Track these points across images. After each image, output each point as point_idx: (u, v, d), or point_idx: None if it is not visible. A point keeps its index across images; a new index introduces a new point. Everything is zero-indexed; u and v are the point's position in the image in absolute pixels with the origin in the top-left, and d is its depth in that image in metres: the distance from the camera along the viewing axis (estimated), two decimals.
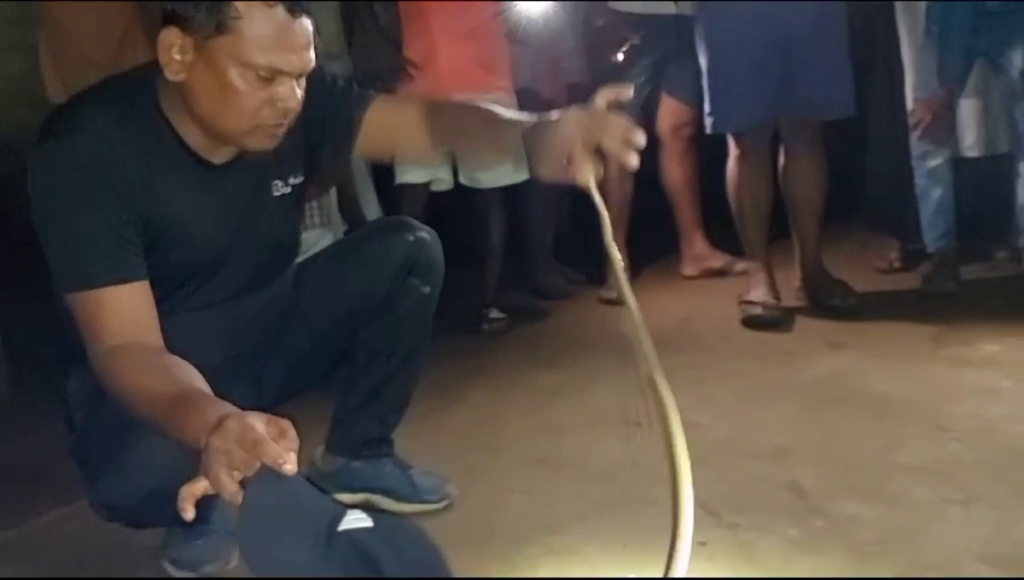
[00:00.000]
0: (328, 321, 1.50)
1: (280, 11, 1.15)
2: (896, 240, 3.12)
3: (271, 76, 1.16)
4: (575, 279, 3.33)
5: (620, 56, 3.04)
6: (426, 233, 1.52)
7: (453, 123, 1.41)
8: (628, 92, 1.13)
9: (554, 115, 1.17)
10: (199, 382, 1.08)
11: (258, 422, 0.92)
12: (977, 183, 2.92)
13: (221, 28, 1.14)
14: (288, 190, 1.39)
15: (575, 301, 3.17)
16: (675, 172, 3.23)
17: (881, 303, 2.68)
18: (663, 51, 3.08)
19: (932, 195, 2.77)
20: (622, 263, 1.07)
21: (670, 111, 3.18)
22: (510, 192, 2.92)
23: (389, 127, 1.43)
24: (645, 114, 3.17)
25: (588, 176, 1.10)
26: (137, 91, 1.23)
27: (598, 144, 1.09)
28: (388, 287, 1.48)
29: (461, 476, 1.63)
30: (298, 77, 1.20)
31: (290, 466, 0.88)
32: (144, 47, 3.24)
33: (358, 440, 1.59)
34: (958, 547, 1.28)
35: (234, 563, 1.43)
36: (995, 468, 1.52)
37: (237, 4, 1.14)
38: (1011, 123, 2.74)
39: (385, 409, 1.59)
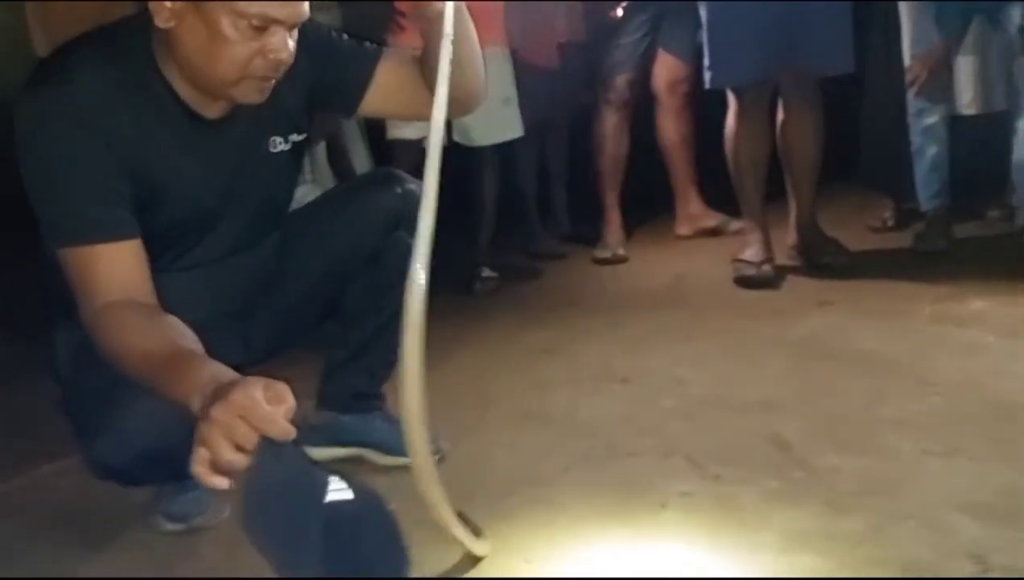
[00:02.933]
0: (316, 275, 1.50)
1: None
2: (890, 199, 3.12)
3: (263, 26, 1.13)
4: (568, 238, 3.34)
5: (619, 11, 3.00)
6: (414, 185, 1.50)
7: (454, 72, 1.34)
8: None
9: None
10: (191, 341, 1.08)
11: (258, 391, 0.90)
12: (973, 141, 2.91)
13: None
14: (287, 147, 1.37)
15: (567, 261, 3.17)
16: (671, 129, 3.21)
17: (873, 262, 2.69)
18: (659, 6, 3.04)
19: (927, 153, 2.76)
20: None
21: (666, 67, 3.15)
22: (503, 151, 2.90)
23: (395, 87, 1.40)
24: (641, 70, 3.15)
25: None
26: (129, 41, 1.20)
27: None
28: (375, 240, 1.48)
29: (449, 430, 1.64)
30: (291, 28, 1.17)
31: (280, 428, 0.88)
32: (131, 1, 3.21)
33: (348, 394, 1.60)
34: (937, 498, 1.29)
35: (226, 515, 1.44)
36: (977, 421, 1.53)
37: None
38: (1008, 80, 2.72)
39: (374, 364, 1.60)
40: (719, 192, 2.99)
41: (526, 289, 2.90)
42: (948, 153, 2.75)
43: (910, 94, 2.74)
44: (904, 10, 2.74)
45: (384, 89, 1.39)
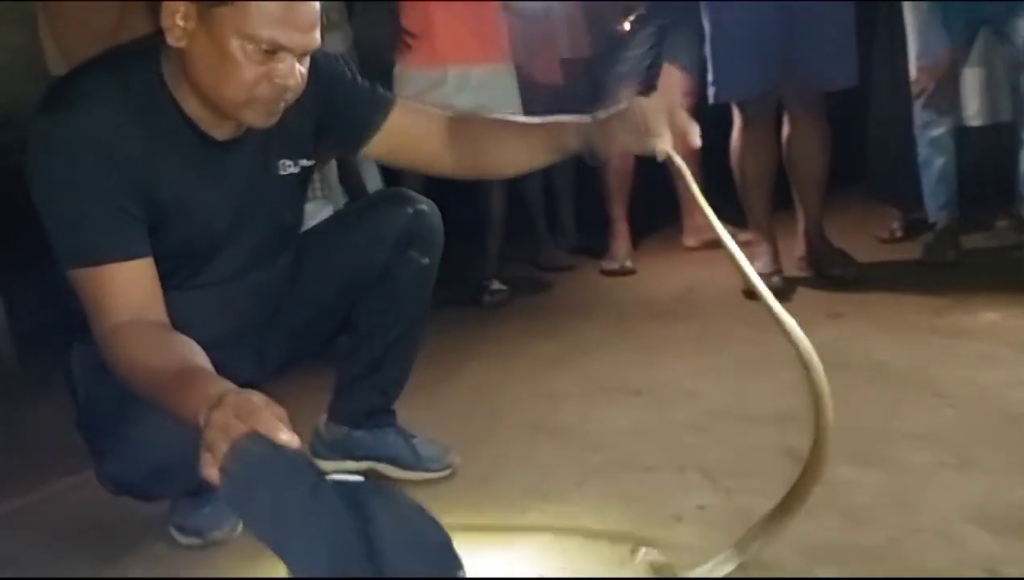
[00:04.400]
0: (328, 292, 1.51)
1: None
2: (898, 210, 3.12)
3: (272, 51, 1.15)
4: (576, 251, 3.35)
5: (627, 25, 3.02)
6: (425, 205, 1.52)
7: (479, 138, 1.41)
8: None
9: (612, 109, 1.28)
10: (201, 359, 1.09)
11: (255, 397, 0.94)
12: (980, 152, 2.91)
13: None
14: (296, 170, 1.38)
15: (575, 273, 3.18)
16: (676, 142, 3.22)
17: (882, 273, 2.69)
18: (665, 19, 3.06)
19: (934, 164, 2.76)
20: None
21: (672, 80, 3.16)
22: None
23: (405, 139, 1.42)
24: (647, 83, 3.16)
25: (668, 144, 1.24)
26: (140, 63, 1.22)
27: (674, 117, 1.25)
28: (387, 258, 1.49)
29: (461, 444, 1.65)
30: (300, 56, 1.18)
31: (285, 435, 0.89)
32: (145, 17, 3.24)
33: (360, 410, 1.61)
34: (953, 511, 1.29)
35: (239, 530, 1.45)
36: (991, 433, 1.53)
37: None
38: (1014, 91, 2.73)
39: (386, 380, 1.61)
40: (726, 203, 2.99)
41: (535, 301, 2.91)
42: (955, 164, 2.75)
43: (916, 106, 2.75)
44: (909, 21, 2.75)
45: (392, 139, 1.41)
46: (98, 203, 1.16)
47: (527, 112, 2.80)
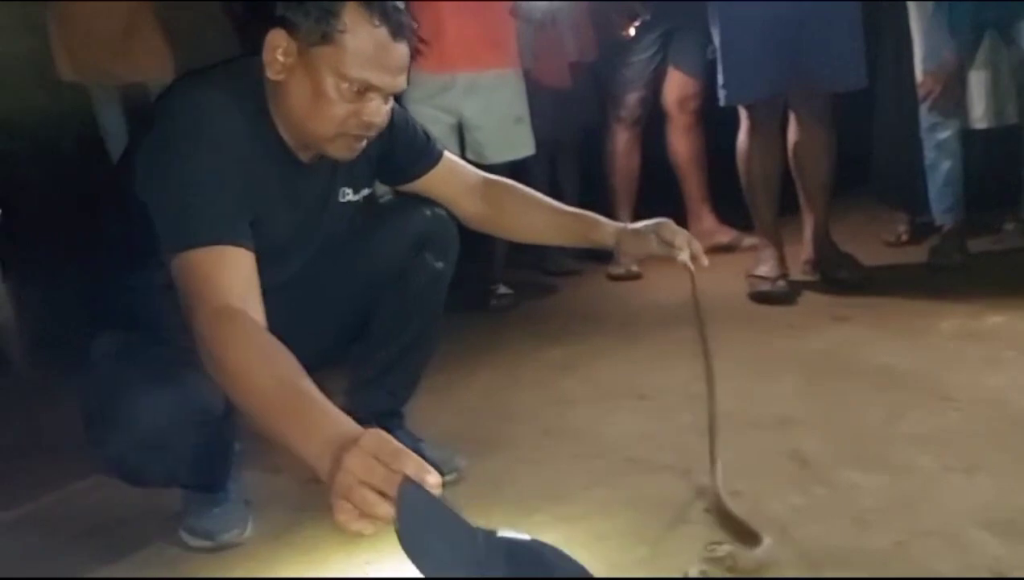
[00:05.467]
0: (345, 295, 1.54)
1: (383, 32, 1.22)
2: (904, 213, 3.12)
3: (363, 91, 1.23)
4: (582, 255, 3.35)
5: (632, 31, 3.04)
6: (443, 210, 1.56)
7: (507, 205, 1.56)
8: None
9: (645, 222, 1.51)
10: (307, 380, 1.00)
11: (385, 435, 0.87)
12: (986, 155, 2.91)
13: (326, 38, 1.21)
14: (356, 199, 1.47)
15: (582, 278, 3.19)
16: (682, 146, 3.24)
17: (888, 276, 2.69)
18: (669, 24, 3.07)
19: (940, 167, 2.77)
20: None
21: (677, 84, 3.18)
22: (515, 169, 2.93)
23: (438, 191, 1.55)
24: (652, 88, 3.18)
25: (687, 257, 1.48)
26: (245, 80, 1.28)
27: (694, 243, 1.51)
28: (402, 261, 1.53)
29: (470, 448, 1.66)
30: (387, 96, 1.27)
31: (432, 478, 0.83)
32: (152, 27, 3.26)
33: (369, 412, 1.62)
34: (959, 514, 1.29)
35: (248, 532, 1.47)
36: (997, 437, 1.53)
37: (345, 18, 1.20)
38: (1020, 94, 2.73)
39: (397, 383, 1.62)
40: (732, 207, 3.00)
41: (541, 306, 2.92)
42: (961, 167, 2.75)
43: (922, 109, 2.76)
44: (915, 25, 2.76)
45: (426, 186, 1.55)
46: (219, 191, 1.19)
47: (535, 116, 2.82)
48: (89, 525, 1.57)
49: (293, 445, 0.93)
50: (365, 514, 0.83)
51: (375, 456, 0.83)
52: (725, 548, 1.22)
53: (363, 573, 1.32)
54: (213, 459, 1.42)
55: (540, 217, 1.56)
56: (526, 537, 0.87)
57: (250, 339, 1.05)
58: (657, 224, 1.49)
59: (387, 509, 0.82)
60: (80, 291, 1.45)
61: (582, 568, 0.89)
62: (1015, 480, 1.38)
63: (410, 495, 0.81)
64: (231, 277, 1.13)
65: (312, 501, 1.59)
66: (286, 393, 0.97)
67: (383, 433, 0.87)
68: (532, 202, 1.57)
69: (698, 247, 1.49)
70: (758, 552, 1.20)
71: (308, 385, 0.98)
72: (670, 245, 1.47)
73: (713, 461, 1.43)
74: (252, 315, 1.11)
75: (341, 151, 1.30)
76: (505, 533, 0.86)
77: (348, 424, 0.92)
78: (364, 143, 1.31)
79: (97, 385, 1.31)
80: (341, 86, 1.22)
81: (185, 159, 1.19)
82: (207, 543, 1.45)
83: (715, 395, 1.48)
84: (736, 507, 1.38)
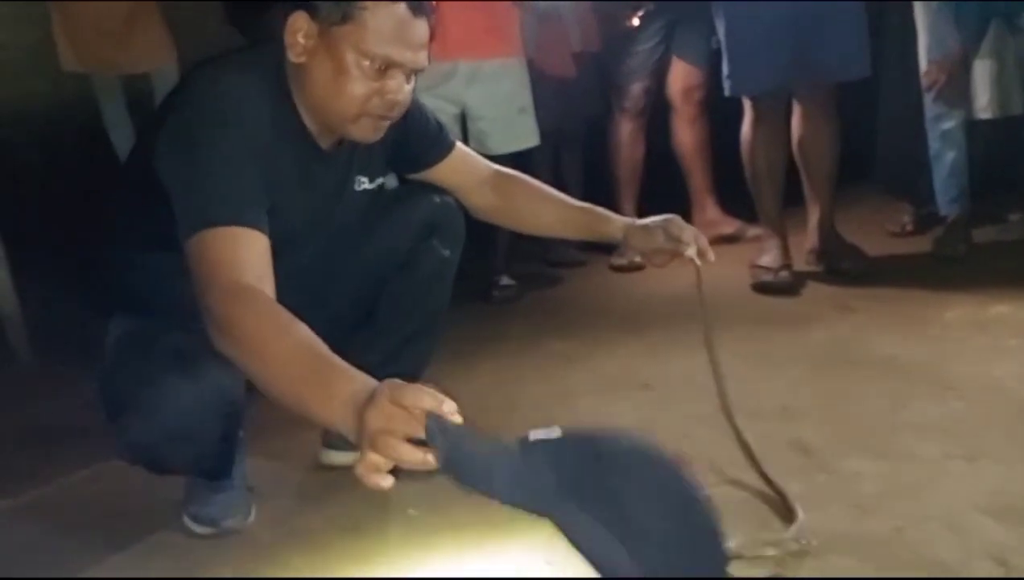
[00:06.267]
0: (353, 281, 1.54)
1: (403, 8, 1.22)
2: (909, 204, 3.11)
3: (385, 68, 1.23)
4: (586, 246, 3.35)
5: (636, 21, 3.03)
6: (451, 198, 1.57)
7: (516, 197, 1.57)
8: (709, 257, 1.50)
9: (646, 220, 1.52)
10: (323, 346, 1.00)
11: (406, 385, 0.88)
12: (991, 145, 2.90)
13: (346, 17, 1.21)
14: (371, 188, 1.47)
15: (585, 269, 3.19)
16: (686, 136, 3.23)
17: (892, 267, 2.69)
18: (673, 14, 3.06)
19: (945, 158, 2.75)
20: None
21: (681, 74, 3.16)
22: (519, 159, 2.92)
23: (448, 180, 1.56)
24: (656, 78, 3.17)
25: (694, 253, 1.48)
26: (266, 66, 1.29)
27: (701, 238, 1.51)
28: (410, 247, 1.54)
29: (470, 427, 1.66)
30: (409, 74, 1.27)
31: (448, 405, 0.85)
32: (154, 17, 3.27)
33: None
34: (961, 501, 1.29)
35: (252, 518, 1.47)
36: (1001, 425, 1.53)
37: None
38: None
39: (401, 371, 1.58)
40: (736, 198, 3.00)
41: (544, 297, 2.92)
42: (966, 157, 2.74)
43: (927, 99, 2.74)
44: (920, 15, 2.74)
45: (436, 176, 1.56)
46: (241, 175, 1.19)
47: (538, 106, 2.81)
48: (92, 513, 1.58)
49: (315, 410, 0.94)
50: (398, 463, 0.85)
51: (393, 403, 0.85)
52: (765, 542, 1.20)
53: (366, 558, 1.32)
54: (227, 446, 1.43)
55: (549, 210, 1.57)
56: (557, 433, 0.86)
57: (265, 311, 1.05)
58: (665, 220, 1.50)
59: (416, 454, 0.84)
60: (89, 278, 1.46)
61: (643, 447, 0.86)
62: (1018, 467, 1.38)
63: (437, 428, 0.83)
64: (247, 257, 1.13)
65: (314, 487, 1.60)
66: (304, 359, 0.97)
67: (395, 380, 0.89)
68: (541, 195, 1.58)
69: (705, 243, 1.49)
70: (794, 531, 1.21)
71: (325, 350, 0.99)
72: (677, 240, 1.48)
73: (744, 444, 1.45)
74: (267, 292, 1.11)
75: (365, 132, 1.29)
76: (537, 434, 0.86)
77: (365, 381, 0.93)
78: (387, 124, 1.31)
79: (118, 372, 1.31)
80: (363, 64, 1.22)
81: (209, 142, 1.19)
82: (210, 529, 1.45)
83: (725, 390, 1.50)
84: (737, 495, 1.38)
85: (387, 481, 0.86)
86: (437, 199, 1.55)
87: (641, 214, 3.13)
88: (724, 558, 0.88)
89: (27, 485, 1.71)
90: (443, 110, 2.60)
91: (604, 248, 3.21)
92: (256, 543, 1.41)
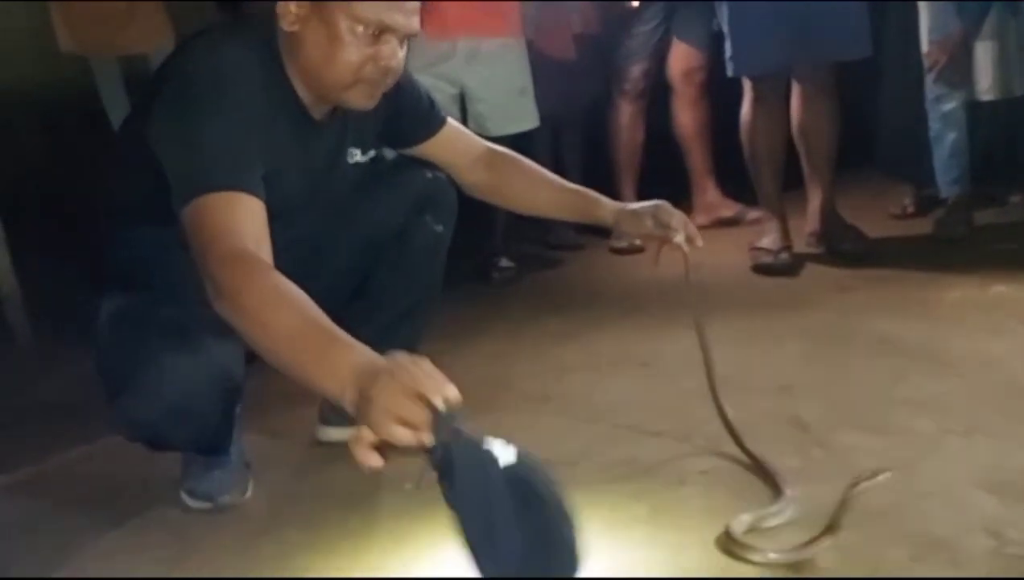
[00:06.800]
0: (345, 255, 1.54)
1: None
2: (910, 186, 3.10)
3: (378, 33, 1.23)
4: (585, 229, 3.34)
5: (636, 2, 3.01)
6: (442, 173, 1.57)
7: (507, 175, 1.56)
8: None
9: (643, 203, 1.53)
10: (325, 317, 1.00)
11: (413, 365, 0.89)
12: (992, 127, 2.89)
13: None
14: (363, 160, 1.47)
15: (585, 251, 3.18)
16: (687, 118, 3.21)
17: (893, 248, 2.68)
18: None
19: (946, 139, 2.74)
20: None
21: (681, 56, 3.15)
22: (518, 141, 2.91)
23: (441, 156, 1.55)
24: (656, 60, 3.15)
25: (682, 238, 1.49)
26: (260, 36, 1.29)
27: (687, 225, 1.51)
28: (402, 222, 1.53)
29: (468, 414, 1.66)
30: (402, 39, 1.26)
31: (452, 392, 0.87)
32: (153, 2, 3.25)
33: None
34: (957, 475, 1.29)
35: (249, 494, 1.47)
36: (997, 401, 1.53)
37: None
38: None
39: (397, 346, 1.61)
40: (737, 181, 2.99)
41: (543, 278, 2.92)
42: (967, 139, 2.73)
43: (928, 80, 2.73)
44: None
45: (429, 151, 1.55)
46: (236, 142, 1.18)
47: (538, 87, 2.80)
48: (89, 490, 1.58)
49: (316, 380, 0.95)
50: (396, 445, 0.86)
51: (397, 382, 0.86)
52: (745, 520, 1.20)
53: (362, 533, 1.32)
54: (225, 422, 1.43)
55: (542, 191, 1.56)
56: (514, 461, 0.90)
57: (265, 279, 1.04)
58: (654, 205, 1.50)
59: (410, 438, 0.85)
60: (86, 254, 1.45)
61: (560, 493, 0.92)
62: (1014, 442, 1.38)
63: (443, 424, 0.85)
64: (245, 222, 1.12)
65: (311, 463, 1.60)
66: (306, 329, 0.98)
67: (401, 359, 0.89)
68: (534, 176, 1.57)
69: (693, 230, 1.50)
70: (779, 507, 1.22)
71: (326, 321, 0.99)
72: (666, 227, 1.48)
73: (727, 423, 1.45)
74: (266, 258, 1.10)
75: (359, 99, 1.29)
76: (500, 451, 0.89)
77: (368, 355, 0.93)
78: (381, 91, 1.30)
79: (115, 350, 1.31)
80: (356, 29, 1.22)
81: (205, 110, 1.19)
82: (207, 505, 1.45)
83: (713, 370, 1.51)
84: (732, 469, 1.39)
85: (377, 462, 0.87)
86: (429, 174, 1.55)
87: (641, 197, 3.17)
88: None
89: (25, 462, 1.71)
90: (441, 90, 2.59)
91: (603, 231, 3.20)
92: (253, 518, 1.42)
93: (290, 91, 1.31)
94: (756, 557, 1.12)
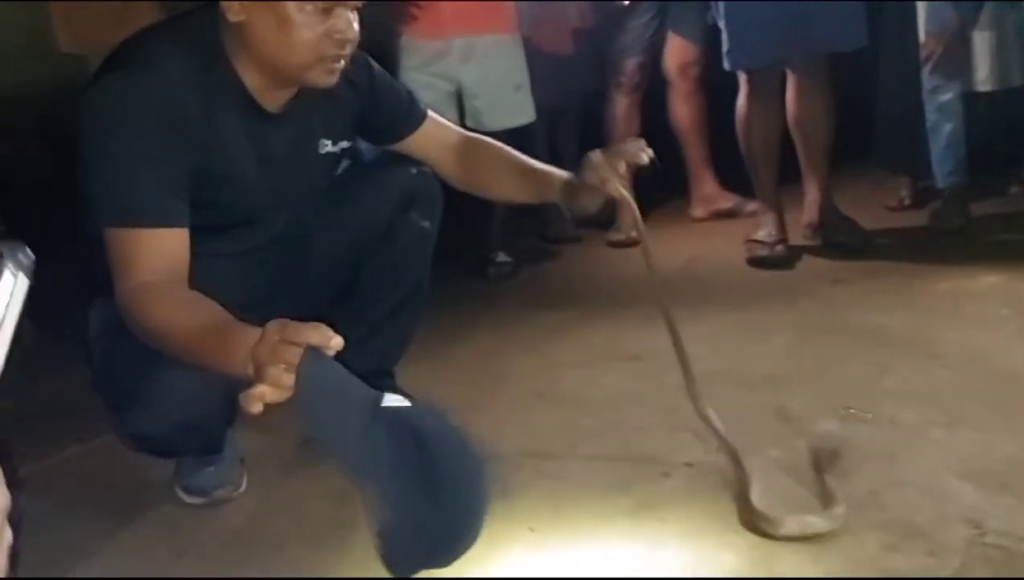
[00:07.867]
0: (334, 252, 1.54)
1: None
2: (906, 177, 3.09)
3: (328, 8, 1.21)
4: (583, 222, 3.35)
5: (626, 0, 3.01)
6: (427, 168, 1.56)
7: (485, 165, 1.53)
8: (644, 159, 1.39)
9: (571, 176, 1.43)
10: (227, 314, 1.09)
11: (284, 322, 0.95)
12: (989, 118, 2.88)
13: None
14: (335, 151, 1.45)
15: (582, 245, 3.19)
16: (683, 112, 3.21)
17: (889, 240, 2.68)
18: None
19: (943, 130, 2.73)
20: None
21: (677, 50, 3.14)
22: (515, 136, 2.92)
23: (423, 150, 1.54)
24: (651, 53, 3.15)
25: (617, 185, 1.37)
26: (201, 32, 1.27)
27: (619, 161, 1.37)
28: (388, 217, 1.53)
29: (461, 408, 1.66)
30: (353, 10, 1.25)
31: (336, 340, 0.92)
32: None
33: (359, 372, 1.62)
34: (938, 465, 1.30)
35: (243, 489, 1.50)
36: (982, 393, 1.54)
37: None
38: None
39: (387, 343, 1.63)
40: (733, 174, 2.99)
41: (540, 273, 2.93)
42: (964, 130, 2.72)
43: (925, 71, 2.72)
44: None
45: (412, 147, 1.54)
46: (149, 167, 1.19)
47: (535, 83, 2.80)
48: (89, 487, 1.60)
49: (222, 365, 1.02)
50: (273, 387, 0.91)
51: (281, 339, 0.92)
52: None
53: (353, 526, 1.34)
54: (222, 424, 1.45)
55: (506, 176, 1.52)
56: (407, 405, 0.96)
57: (169, 296, 1.15)
58: (581, 172, 1.38)
59: (286, 378, 0.91)
60: (77, 260, 1.47)
61: (458, 434, 0.96)
62: (997, 434, 1.39)
63: (310, 364, 0.90)
64: (151, 258, 1.18)
65: (303, 458, 1.62)
66: (206, 324, 1.07)
67: (284, 320, 0.95)
68: (499, 160, 1.53)
69: (626, 152, 1.38)
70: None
71: (224, 314, 1.08)
72: (596, 187, 1.36)
73: (704, 417, 1.43)
74: (172, 284, 1.17)
75: (322, 77, 1.27)
76: (391, 401, 0.95)
77: (259, 331, 0.99)
78: (342, 64, 1.28)
79: (115, 364, 1.31)
80: (305, 8, 1.20)
81: (123, 127, 1.19)
82: (202, 500, 1.48)
83: (687, 360, 1.48)
84: (716, 461, 1.40)
85: (257, 407, 0.92)
86: (413, 170, 1.54)
87: (636, 189, 3.17)
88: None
89: (24, 460, 1.73)
90: (437, 88, 2.60)
91: (601, 224, 3.21)
92: (246, 512, 1.44)
93: (238, 88, 1.28)
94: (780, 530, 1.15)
